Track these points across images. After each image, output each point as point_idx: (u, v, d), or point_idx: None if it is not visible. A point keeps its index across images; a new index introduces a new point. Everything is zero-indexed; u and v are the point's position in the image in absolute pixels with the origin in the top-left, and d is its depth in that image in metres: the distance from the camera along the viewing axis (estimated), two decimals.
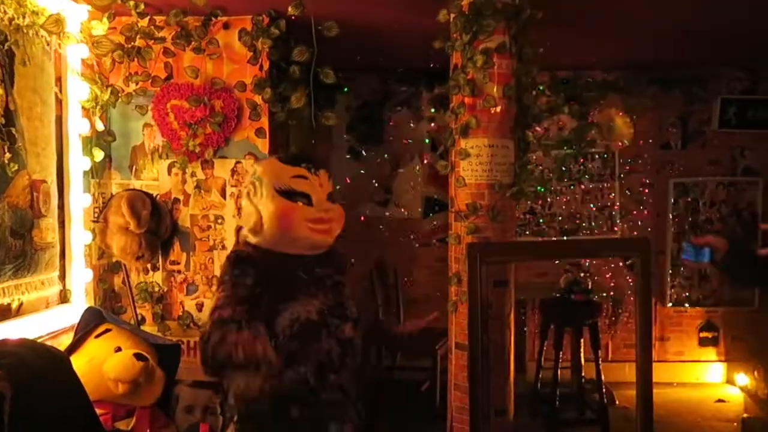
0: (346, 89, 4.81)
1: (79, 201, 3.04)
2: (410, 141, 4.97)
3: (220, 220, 3.40)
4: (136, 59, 3.13)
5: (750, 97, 4.74)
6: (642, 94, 4.81)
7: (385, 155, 5.00)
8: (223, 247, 3.40)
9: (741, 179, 4.90)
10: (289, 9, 2.66)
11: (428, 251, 5.00)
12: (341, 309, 1.84)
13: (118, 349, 2.81)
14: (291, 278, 1.77)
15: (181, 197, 3.40)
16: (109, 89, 3.10)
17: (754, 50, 4.34)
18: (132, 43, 3.10)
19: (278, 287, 1.73)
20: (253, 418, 1.77)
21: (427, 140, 4.99)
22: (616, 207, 4.93)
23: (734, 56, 4.52)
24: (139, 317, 3.39)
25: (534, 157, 4.79)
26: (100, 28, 3.05)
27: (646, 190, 4.95)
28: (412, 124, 4.92)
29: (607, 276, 4.97)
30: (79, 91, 3.02)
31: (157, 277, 3.44)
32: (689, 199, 4.91)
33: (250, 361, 1.63)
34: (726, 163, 4.90)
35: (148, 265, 3.40)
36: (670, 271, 4.95)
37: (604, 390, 4.11)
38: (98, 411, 2.63)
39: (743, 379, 4.70)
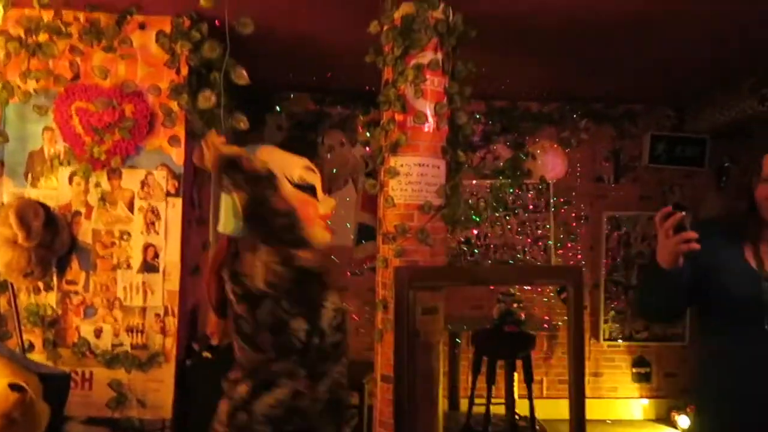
0: (278, 109, 4.62)
1: None
2: (344, 164, 4.80)
3: (126, 237, 3.09)
4: (36, 55, 2.84)
5: (678, 135, 4.85)
6: (576, 127, 4.84)
7: None
8: (129, 266, 3.09)
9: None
10: (202, 1, 2.46)
11: (360, 280, 4.79)
12: None
13: None
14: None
15: (83, 210, 3.08)
16: (1, 84, 2.79)
17: (682, 89, 4.46)
18: (33, 37, 2.81)
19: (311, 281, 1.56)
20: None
21: (361, 165, 4.84)
22: (550, 238, 4.89)
23: (664, 94, 4.63)
24: (27, 344, 3.01)
25: (471, 184, 4.73)
26: None
27: (580, 223, 4.94)
28: (346, 147, 4.77)
29: (542, 309, 4.89)
30: None
31: (51, 298, 3.07)
32: (622, 233, 4.92)
33: None
34: (656, 198, 4.96)
35: (40, 284, 3.04)
36: (603, 306, 4.91)
37: (538, 427, 3.96)
38: None
39: (677, 415, 4.66)
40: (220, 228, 1.60)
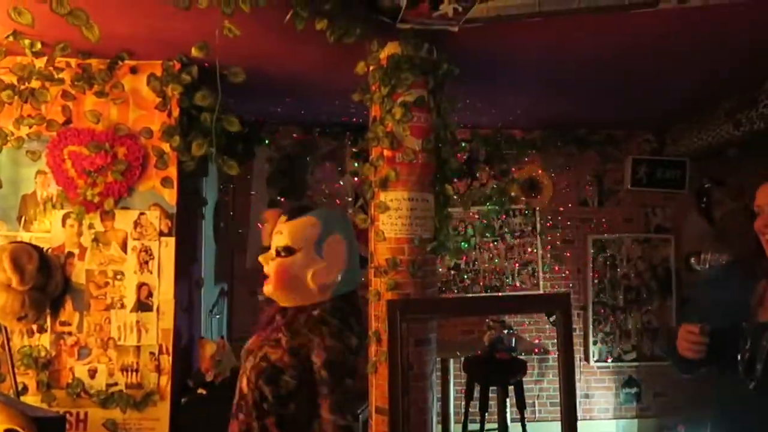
0: (266, 141, 4.68)
1: None
2: (334, 195, 4.86)
3: (119, 276, 3.11)
4: (29, 101, 2.88)
5: (658, 158, 4.98)
6: (559, 153, 4.95)
7: None
8: (122, 306, 3.11)
9: (654, 236, 5.07)
10: (193, 51, 2.53)
11: None
12: None
13: None
14: None
15: (76, 251, 3.10)
16: None
17: (661, 115, 4.59)
18: (26, 84, 2.86)
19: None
20: None
21: (350, 196, 4.90)
22: (538, 263, 4.97)
23: (643, 120, 4.76)
24: (21, 386, 3.00)
25: (457, 213, 4.80)
26: None
27: (567, 246, 5.03)
28: (335, 179, 4.83)
29: (532, 333, 4.95)
30: None
31: (44, 339, 3.08)
32: (607, 255, 5.01)
33: None
34: (639, 220, 5.07)
35: (34, 327, 3.04)
36: (592, 327, 4.98)
37: None
38: None
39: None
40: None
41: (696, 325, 1.74)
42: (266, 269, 1.80)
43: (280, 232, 1.80)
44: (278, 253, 1.80)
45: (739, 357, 1.72)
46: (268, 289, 1.81)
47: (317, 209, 1.84)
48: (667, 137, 4.98)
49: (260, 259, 1.82)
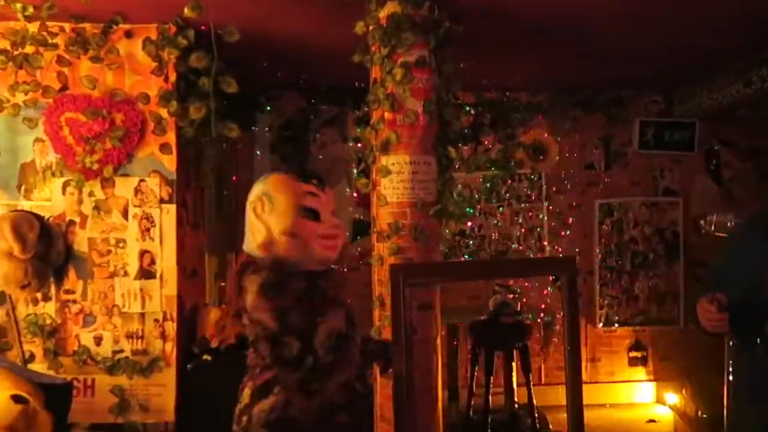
0: (268, 108, 4.62)
1: None
2: (336, 161, 4.82)
3: (121, 244, 3.11)
4: (24, 67, 2.84)
5: (666, 120, 4.88)
6: (565, 115, 4.86)
7: None
8: (125, 273, 3.11)
9: (662, 200, 5.00)
10: (186, 10, 2.47)
11: (357, 276, 4.81)
12: (352, 322, 1.83)
13: None
14: (310, 292, 1.73)
15: (78, 219, 3.09)
16: None
17: (669, 75, 4.48)
18: (19, 50, 2.81)
19: (303, 302, 1.69)
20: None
21: (353, 162, 4.85)
22: (544, 228, 4.92)
23: (651, 80, 4.65)
24: (27, 354, 3.03)
25: (462, 178, 4.75)
26: None
27: (573, 211, 4.97)
28: (338, 145, 4.78)
29: (537, 298, 4.93)
30: None
31: (49, 308, 3.09)
32: (614, 219, 4.96)
33: None
34: (647, 183, 5.00)
35: (39, 295, 3.05)
36: (599, 291, 4.96)
37: (536, 414, 4.01)
38: None
39: (672, 398, 4.71)
40: (246, 247, 1.77)
41: (711, 301, 1.71)
42: (333, 231, 1.79)
43: (329, 200, 1.82)
44: (335, 215, 1.84)
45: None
46: (335, 253, 1.79)
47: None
48: (676, 98, 4.87)
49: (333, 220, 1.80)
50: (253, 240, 1.75)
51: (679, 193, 5.01)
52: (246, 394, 1.67)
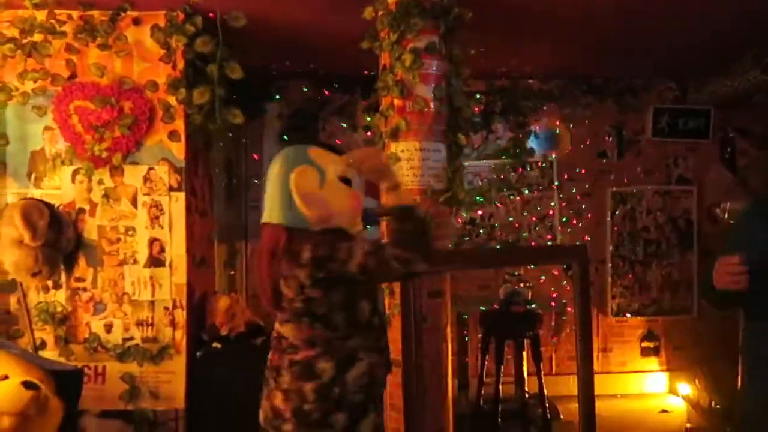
0: (277, 97, 4.61)
1: None
2: (345, 150, 4.78)
3: (131, 232, 3.11)
4: (32, 55, 2.84)
5: (680, 107, 4.80)
6: (577, 103, 4.80)
7: None
8: (135, 261, 3.11)
9: (675, 188, 4.93)
10: None
11: None
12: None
13: (5, 378, 2.48)
14: None
15: (87, 207, 3.10)
16: None
17: (684, 61, 4.40)
18: (28, 38, 2.81)
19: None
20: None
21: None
22: (555, 216, 4.88)
23: (665, 67, 4.58)
24: (39, 341, 3.05)
25: (472, 166, 4.71)
26: None
27: (585, 200, 4.92)
28: (347, 134, 4.75)
29: (548, 287, 4.89)
30: None
31: (60, 295, 3.11)
32: (627, 208, 4.90)
33: None
34: (661, 171, 4.93)
35: (49, 283, 3.07)
36: (611, 281, 4.92)
37: (547, 404, 3.99)
38: None
39: (685, 388, 4.67)
40: (266, 218, 1.74)
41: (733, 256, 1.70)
42: (361, 197, 1.83)
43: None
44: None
45: None
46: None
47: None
48: (690, 85, 4.79)
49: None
50: (318, 213, 1.71)
51: (693, 181, 4.94)
52: (326, 367, 1.66)
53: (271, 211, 1.72)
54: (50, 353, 3.04)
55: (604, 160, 4.91)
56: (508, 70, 4.54)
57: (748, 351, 1.91)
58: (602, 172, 4.92)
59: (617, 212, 4.90)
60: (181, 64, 3.03)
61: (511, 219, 4.86)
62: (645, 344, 4.99)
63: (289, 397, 1.67)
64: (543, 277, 4.82)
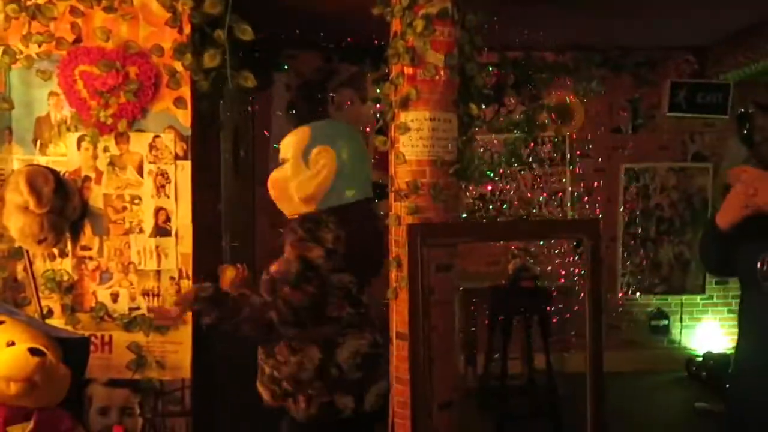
0: (285, 67, 4.54)
1: None
2: (354, 122, 4.73)
3: (137, 201, 3.07)
4: (36, 17, 2.78)
5: (699, 81, 4.69)
6: (592, 76, 4.70)
7: None
8: (141, 231, 3.08)
9: (691, 165, 4.85)
10: None
11: None
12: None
13: (12, 344, 2.47)
14: None
15: (93, 175, 3.05)
16: (2, 49, 2.74)
17: (703, 33, 4.28)
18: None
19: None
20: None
21: (371, 122, 4.76)
22: (567, 192, 4.81)
23: (683, 39, 4.46)
24: (45, 309, 3.03)
25: (483, 140, 4.64)
26: None
27: (598, 175, 4.85)
28: (356, 105, 4.68)
29: (558, 264, 4.85)
30: None
31: (66, 264, 3.08)
32: (640, 185, 4.82)
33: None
34: (676, 148, 4.85)
35: (56, 251, 3.04)
36: (621, 259, 4.86)
37: (555, 381, 3.96)
38: None
39: (695, 366, 4.65)
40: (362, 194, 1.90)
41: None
42: None
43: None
44: (280, 165, 1.79)
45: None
46: None
47: (319, 121, 1.79)
48: (710, 58, 4.67)
49: None
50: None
51: (710, 158, 4.85)
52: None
53: (366, 188, 1.84)
54: (57, 321, 3.02)
55: (618, 135, 4.82)
56: (521, 42, 4.44)
57: (745, 317, 1.94)
58: (615, 148, 4.84)
59: (630, 189, 4.83)
60: (187, 29, 2.95)
61: (521, 194, 4.80)
62: (654, 323, 4.95)
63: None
64: (553, 254, 4.77)
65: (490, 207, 4.79)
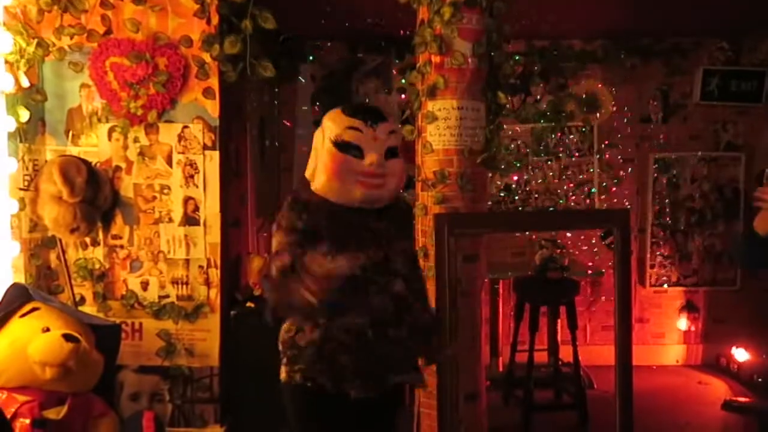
0: (311, 58, 4.54)
1: (3, 166, 2.74)
2: None
3: (166, 190, 3.11)
4: (68, 10, 2.82)
5: (733, 68, 4.56)
6: (621, 64, 4.61)
7: None
8: (170, 220, 3.12)
9: (723, 155, 4.73)
10: None
11: None
12: (387, 265, 1.82)
13: (46, 330, 2.53)
14: (344, 229, 1.77)
15: (124, 165, 3.11)
16: (35, 41, 2.79)
17: (738, 18, 4.15)
18: None
19: (330, 236, 1.73)
20: (302, 361, 1.82)
21: (397, 113, 4.73)
22: (594, 183, 4.74)
23: (717, 25, 4.33)
24: (78, 297, 3.10)
25: (510, 132, 4.59)
26: None
27: (626, 166, 4.76)
28: (381, 96, 4.66)
29: (585, 255, 4.78)
30: (1, 43, 2.71)
31: (98, 252, 3.14)
32: (670, 175, 4.73)
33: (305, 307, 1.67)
34: (708, 137, 4.73)
35: (88, 240, 3.10)
36: (650, 250, 4.78)
37: (582, 373, 3.92)
38: (23, 398, 2.39)
39: (725, 361, 4.56)
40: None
41: None
42: (378, 169, 1.75)
43: (394, 132, 1.81)
44: (394, 154, 1.80)
45: None
46: (382, 192, 1.77)
47: None
48: (745, 44, 4.53)
49: (375, 159, 1.74)
50: (307, 170, 1.79)
51: (743, 147, 4.72)
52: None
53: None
54: (89, 309, 3.09)
55: (648, 125, 4.72)
56: (548, 30, 4.36)
57: None
58: (645, 138, 4.75)
59: (659, 180, 4.74)
60: (215, 20, 2.97)
61: (548, 184, 4.74)
62: (684, 316, 4.87)
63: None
64: (581, 244, 4.71)
65: (515, 198, 4.74)
